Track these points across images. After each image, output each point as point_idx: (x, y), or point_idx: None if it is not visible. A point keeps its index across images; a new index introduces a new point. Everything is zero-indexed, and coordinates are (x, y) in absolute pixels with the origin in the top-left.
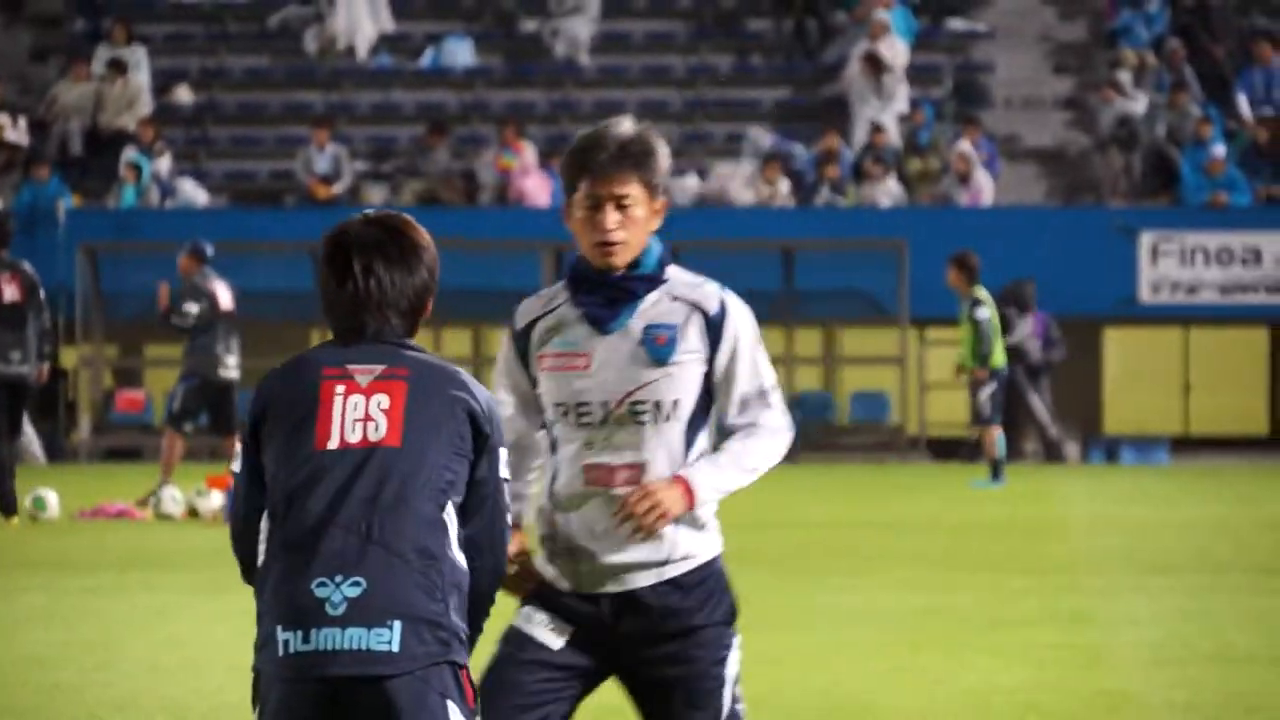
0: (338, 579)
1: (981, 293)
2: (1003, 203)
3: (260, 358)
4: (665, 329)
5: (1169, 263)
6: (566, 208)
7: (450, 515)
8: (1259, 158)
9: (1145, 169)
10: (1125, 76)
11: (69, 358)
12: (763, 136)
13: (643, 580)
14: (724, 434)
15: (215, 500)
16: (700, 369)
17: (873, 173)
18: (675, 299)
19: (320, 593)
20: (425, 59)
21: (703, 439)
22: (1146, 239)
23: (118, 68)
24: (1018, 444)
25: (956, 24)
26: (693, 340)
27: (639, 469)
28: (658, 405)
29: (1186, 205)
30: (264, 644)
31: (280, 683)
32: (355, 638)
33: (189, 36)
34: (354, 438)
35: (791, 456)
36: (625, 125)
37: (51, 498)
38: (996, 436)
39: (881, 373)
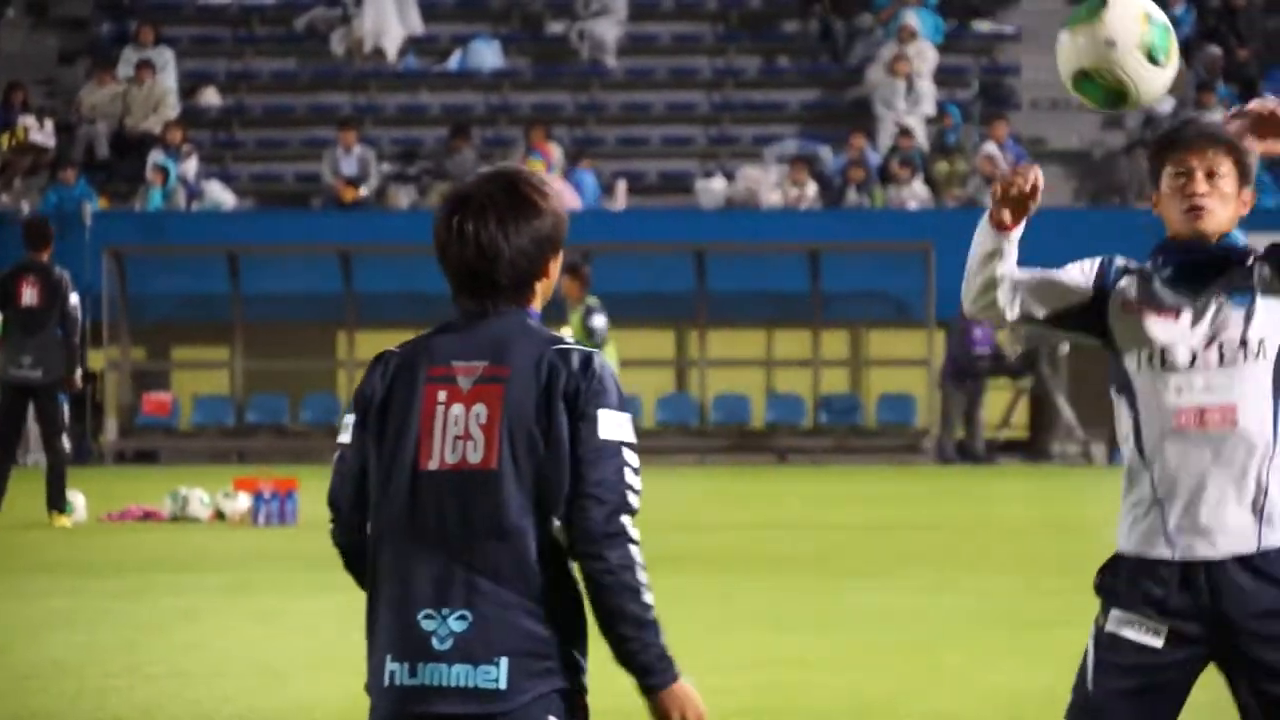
0: (444, 611)
1: (594, 301)
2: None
3: (286, 360)
4: (1252, 276)
5: None
6: (1155, 196)
7: (559, 530)
8: None
9: None
10: None
11: (96, 360)
12: (789, 140)
13: (1243, 546)
14: None
15: (242, 502)
16: None
17: (899, 175)
18: (1256, 258)
19: (427, 625)
20: (452, 61)
21: None
22: None
23: (145, 70)
24: (1045, 446)
25: (983, 26)
26: (1277, 282)
27: (1231, 410)
28: (1244, 344)
29: None
30: (373, 672)
31: (385, 713)
32: (461, 675)
33: (216, 39)
34: (452, 459)
35: (818, 459)
36: (1215, 115)
37: (78, 500)
38: None
39: (908, 375)
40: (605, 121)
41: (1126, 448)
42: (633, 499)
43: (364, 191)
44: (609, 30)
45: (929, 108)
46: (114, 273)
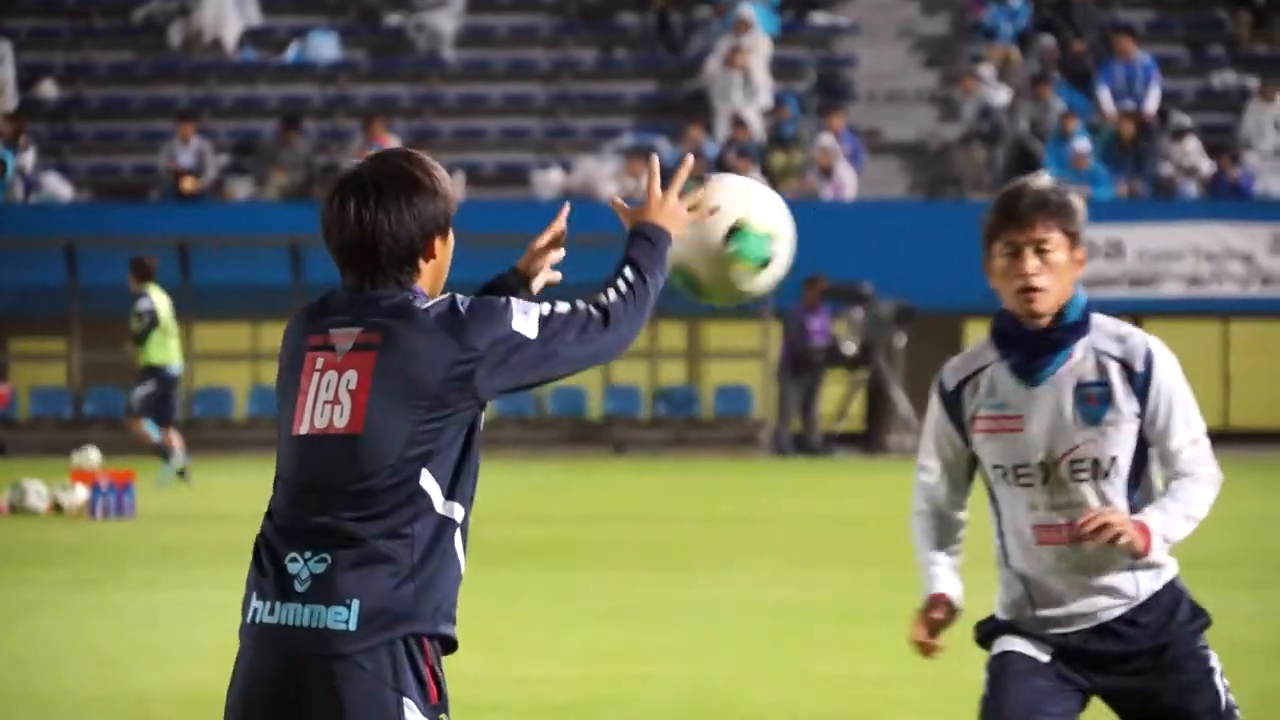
0: (306, 555)
1: (150, 290)
2: (866, 196)
3: (124, 352)
4: (1095, 387)
5: None
6: (987, 263)
7: (429, 480)
8: (1121, 151)
9: (1007, 162)
10: (988, 71)
11: None
12: (627, 132)
13: (1110, 615)
14: (1164, 483)
15: (79, 495)
16: (1133, 425)
17: (736, 167)
18: (1101, 354)
19: (291, 568)
20: (290, 53)
21: (1141, 494)
22: None
23: None
24: (881, 438)
25: (820, 18)
26: (1122, 397)
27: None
28: (1095, 463)
29: None
30: (242, 612)
31: (247, 650)
32: (314, 614)
33: (54, 31)
34: (321, 423)
35: (656, 450)
36: (1043, 179)
37: None
38: (143, 427)
39: (744, 367)
40: (443, 113)
41: (995, 545)
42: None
43: (201, 184)
44: (446, 22)
45: (766, 100)
46: None
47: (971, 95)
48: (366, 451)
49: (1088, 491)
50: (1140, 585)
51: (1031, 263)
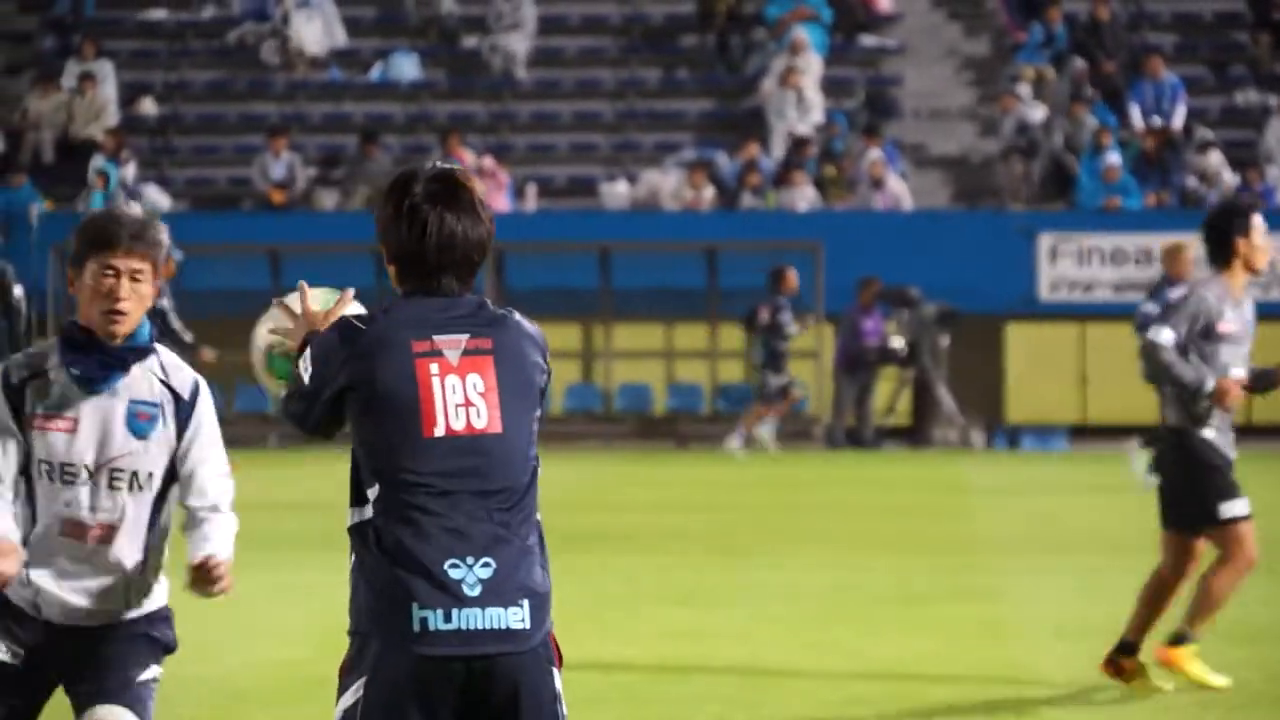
0: (469, 560)
1: None
2: (912, 206)
3: (218, 349)
4: (148, 407)
5: (1066, 263)
6: (76, 277)
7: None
8: (1149, 165)
9: (1044, 175)
10: (1025, 90)
11: None
12: (688, 146)
13: (96, 622)
14: (196, 508)
15: None
16: (170, 447)
17: (792, 179)
18: (158, 379)
19: (454, 574)
20: (374, 73)
21: (166, 512)
22: (1045, 241)
23: (87, 82)
24: (927, 432)
25: (868, 40)
26: (168, 421)
27: (111, 529)
28: (134, 475)
29: (1082, 209)
30: (389, 616)
31: (415, 659)
32: (495, 617)
33: (153, 52)
34: (459, 425)
35: (716, 444)
36: (136, 210)
37: None
38: None
39: (799, 365)
40: (516, 129)
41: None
42: None
43: (291, 194)
44: (519, 44)
45: (818, 116)
46: (59, 270)
47: (1010, 113)
48: (508, 448)
49: (121, 499)
50: (134, 603)
51: (125, 288)
